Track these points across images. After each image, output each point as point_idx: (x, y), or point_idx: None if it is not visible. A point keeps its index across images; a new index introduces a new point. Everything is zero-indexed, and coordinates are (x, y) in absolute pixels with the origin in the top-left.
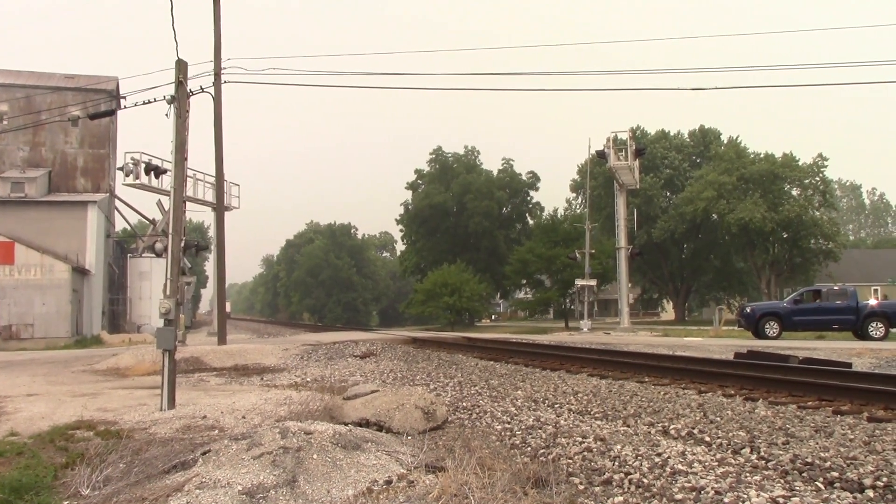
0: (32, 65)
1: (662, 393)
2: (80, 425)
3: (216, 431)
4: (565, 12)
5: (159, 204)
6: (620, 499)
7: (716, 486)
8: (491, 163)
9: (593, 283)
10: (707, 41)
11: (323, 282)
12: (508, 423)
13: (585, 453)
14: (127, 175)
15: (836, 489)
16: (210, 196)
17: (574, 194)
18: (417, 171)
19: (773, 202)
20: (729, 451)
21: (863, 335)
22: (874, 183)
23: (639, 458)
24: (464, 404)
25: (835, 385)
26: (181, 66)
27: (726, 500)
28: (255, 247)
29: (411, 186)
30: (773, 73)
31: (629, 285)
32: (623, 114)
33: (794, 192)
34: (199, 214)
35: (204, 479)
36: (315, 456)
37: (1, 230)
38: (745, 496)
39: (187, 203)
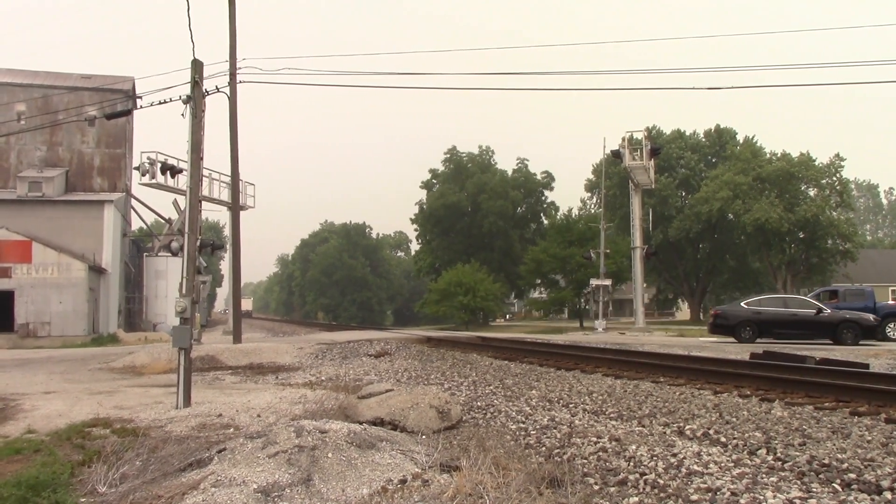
0: (48, 64)
1: (678, 393)
2: (96, 423)
3: (231, 430)
4: (580, 12)
5: (175, 203)
6: (636, 499)
7: (732, 487)
8: (505, 162)
9: (608, 282)
10: (723, 40)
11: (337, 281)
12: (523, 422)
13: (600, 453)
14: (143, 175)
15: (853, 491)
16: (225, 195)
17: (589, 194)
18: (432, 171)
19: (790, 202)
20: (745, 452)
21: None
22: (891, 183)
23: (654, 458)
24: (478, 404)
25: (852, 386)
26: (197, 67)
27: (742, 501)
28: (270, 246)
29: (426, 186)
30: (789, 72)
31: (644, 285)
32: (638, 113)
33: (811, 193)
34: (214, 214)
35: (219, 478)
36: (330, 455)
37: (18, 229)
38: (762, 497)
39: (203, 202)
